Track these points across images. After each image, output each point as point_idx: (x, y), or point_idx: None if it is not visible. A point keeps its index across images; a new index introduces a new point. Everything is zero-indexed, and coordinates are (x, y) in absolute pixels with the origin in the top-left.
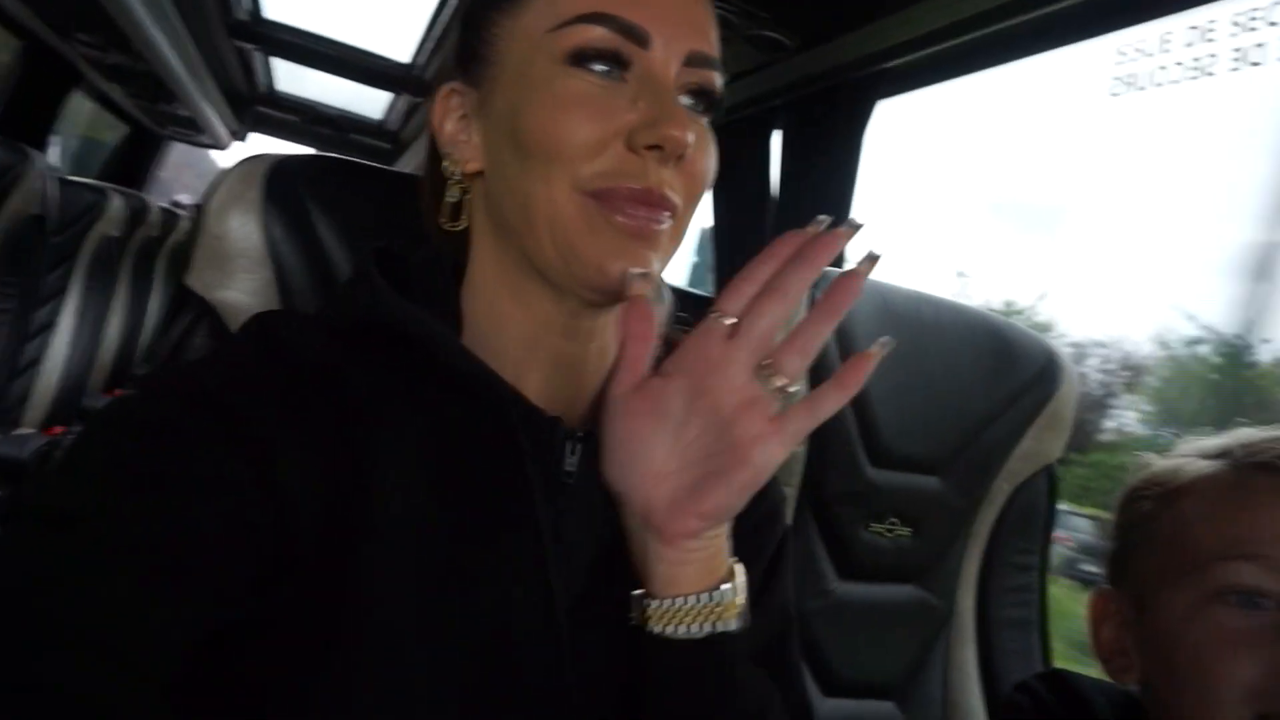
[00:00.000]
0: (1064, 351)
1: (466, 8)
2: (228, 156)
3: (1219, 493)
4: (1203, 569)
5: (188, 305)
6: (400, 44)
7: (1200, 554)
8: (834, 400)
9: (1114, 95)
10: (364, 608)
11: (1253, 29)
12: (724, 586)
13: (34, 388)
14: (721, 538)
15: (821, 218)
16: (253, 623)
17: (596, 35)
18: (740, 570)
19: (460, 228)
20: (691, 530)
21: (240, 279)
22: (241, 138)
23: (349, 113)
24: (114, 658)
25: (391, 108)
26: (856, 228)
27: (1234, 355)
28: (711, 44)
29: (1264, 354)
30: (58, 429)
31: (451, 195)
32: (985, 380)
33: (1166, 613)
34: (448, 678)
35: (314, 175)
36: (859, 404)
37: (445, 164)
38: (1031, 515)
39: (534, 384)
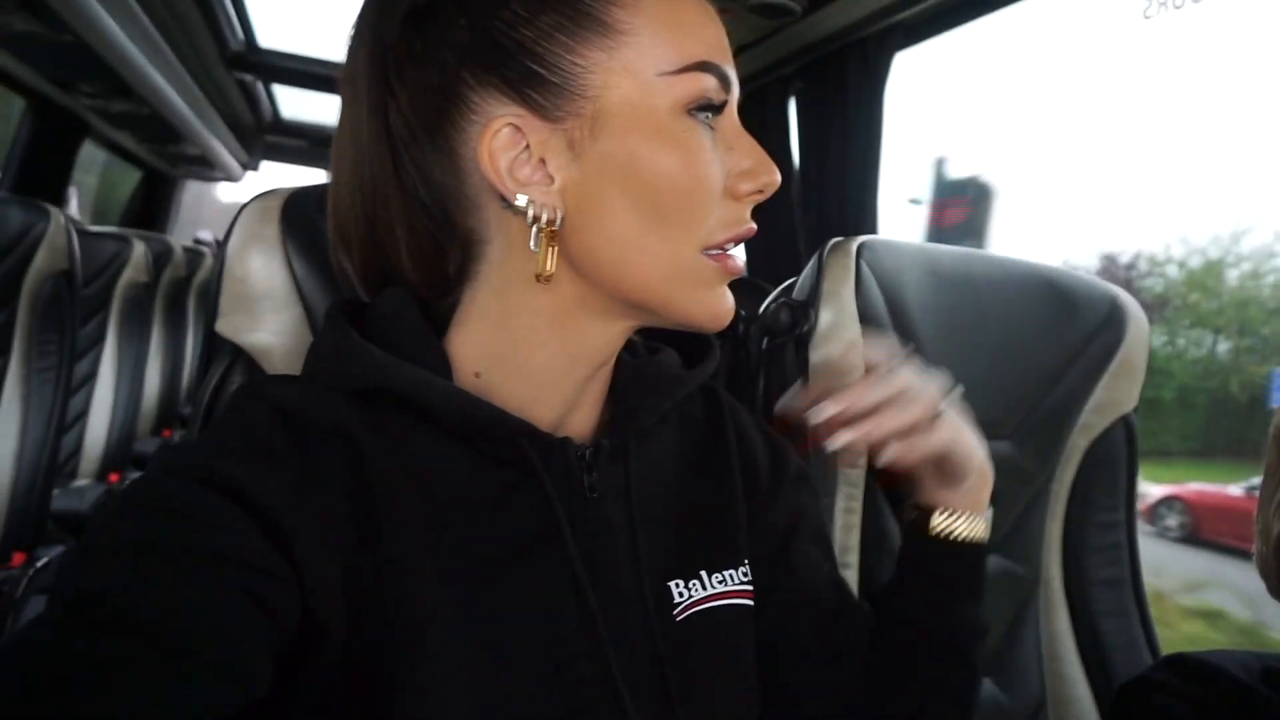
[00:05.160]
0: (1128, 295)
1: (509, 26)
2: (238, 189)
3: None
4: None
5: (221, 351)
6: None
7: None
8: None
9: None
10: (404, 670)
11: None
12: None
13: (85, 439)
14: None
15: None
16: (287, 701)
17: (711, 86)
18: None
19: (550, 276)
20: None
21: (268, 320)
22: (254, 168)
23: None
24: None
25: None
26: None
27: None
28: None
29: None
30: (114, 476)
31: (539, 243)
32: (1047, 334)
33: None
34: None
35: None
36: None
37: (528, 207)
38: (1112, 470)
39: (544, 416)
